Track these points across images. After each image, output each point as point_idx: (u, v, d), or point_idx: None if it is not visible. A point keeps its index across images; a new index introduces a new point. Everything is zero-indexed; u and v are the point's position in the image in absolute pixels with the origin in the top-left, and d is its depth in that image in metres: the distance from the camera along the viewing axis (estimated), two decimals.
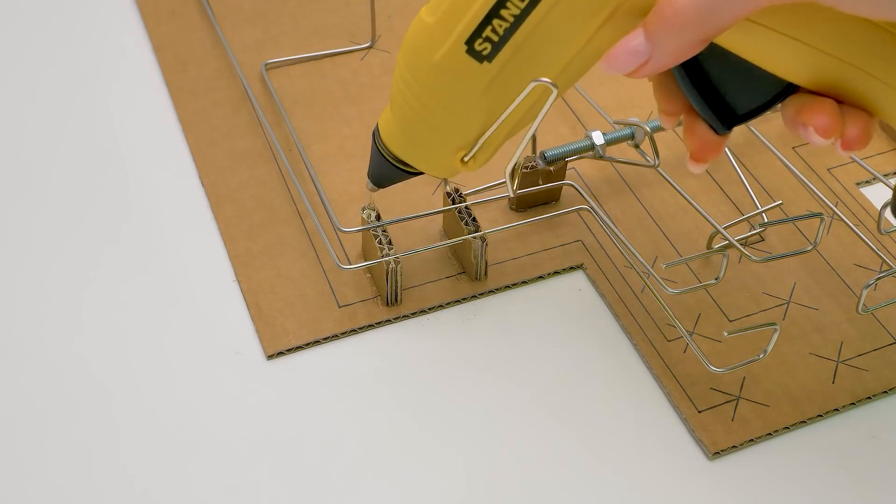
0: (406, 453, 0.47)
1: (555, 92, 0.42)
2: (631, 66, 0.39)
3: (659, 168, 0.55)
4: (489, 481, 0.47)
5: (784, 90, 0.41)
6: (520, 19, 0.40)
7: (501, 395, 0.50)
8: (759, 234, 0.56)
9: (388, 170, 0.49)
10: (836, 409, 0.49)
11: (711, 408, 0.49)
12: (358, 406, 0.49)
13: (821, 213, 0.50)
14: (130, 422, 0.48)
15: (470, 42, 0.42)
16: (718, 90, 0.42)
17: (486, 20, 0.41)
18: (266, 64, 0.65)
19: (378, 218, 0.53)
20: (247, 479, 0.46)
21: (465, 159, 0.46)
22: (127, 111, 0.63)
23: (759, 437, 0.48)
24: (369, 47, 0.67)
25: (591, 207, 0.56)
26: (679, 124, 0.45)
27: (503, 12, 0.40)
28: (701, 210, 0.54)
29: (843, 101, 0.40)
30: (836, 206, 0.57)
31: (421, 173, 0.49)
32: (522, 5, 0.40)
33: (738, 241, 0.52)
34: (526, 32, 0.41)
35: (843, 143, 0.40)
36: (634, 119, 0.55)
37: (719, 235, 0.54)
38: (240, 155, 0.60)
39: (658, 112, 0.44)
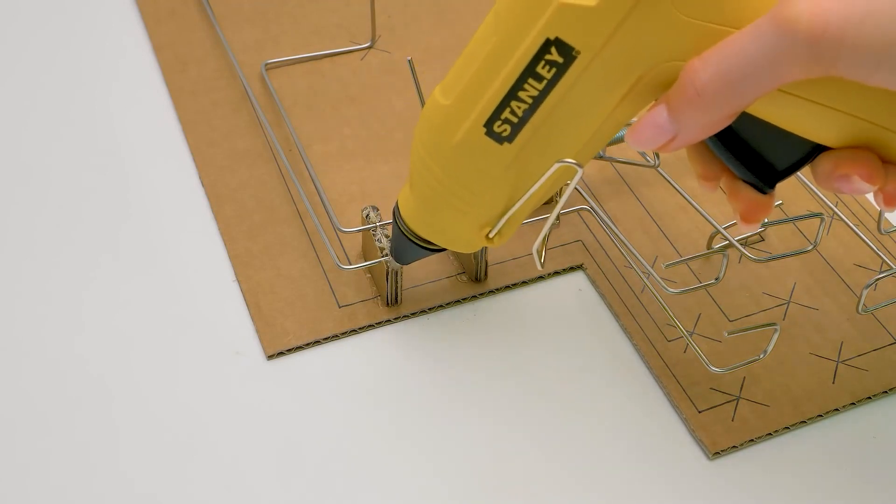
0: (406, 453, 0.47)
1: (580, 172, 0.41)
2: (657, 142, 0.38)
3: (659, 168, 0.55)
4: (489, 481, 0.47)
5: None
6: (538, 100, 0.39)
7: (501, 394, 0.50)
8: (759, 234, 0.56)
9: (410, 248, 0.48)
10: (836, 409, 0.49)
11: (711, 408, 0.49)
12: (358, 406, 0.49)
13: (821, 213, 0.50)
14: (130, 422, 0.48)
15: (489, 125, 0.41)
16: (754, 150, 0.40)
17: (504, 102, 0.40)
18: (266, 64, 0.65)
19: (378, 218, 0.53)
20: (247, 479, 0.46)
21: (490, 235, 0.45)
22: (127, 111, 0.63)
23: (759, 437, 0.48)
24: (369, 47, 0.67)
25: (591, 207, 0.56)
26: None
27: (521, 94, 0.39)
28: (701, 210, 0.54)
29: (880, 158, 0.38)
30: (836, 206, 0.57)
31: (444, 249, 0.48)
32: (540, 86, 0.39)
33: (738, 241, 0.52)
34: (545, 113, 0.40)
35: (885, 197, 0.38)
36: (635, 119, 0.55)
37: (719, 235, 0.54)
38: (240, 155, 0.60)
39: (696, 178, 0.43)
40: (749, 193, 0.41)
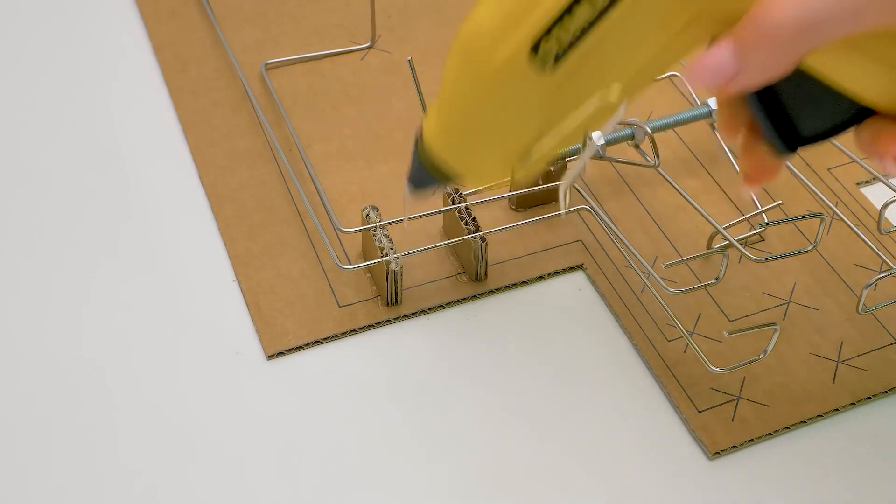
0: (406, 453, 0.47)
1: (623, 105, 0.39)
2: (717, 79, 0.36)
3: (659, 168, 0.54)
4: (489, 481, 0.47)
5: (854, 117, 0.38)
6: (591, 24, 0.37)
7: (501, 395, 0.50)
8: (759, 234, 0.56)
9: (427, 177, 0.46)
10: (836, 409, 0.49)
11: (711, 408, 0.49)
12: (358, 406, 0.49)
13: (821, 213, 0.50)
14: (131, 422, 0.48)
15: (536, 48, 0.38)
16: (787, 109, 0.39)
17: (554, 25, 0.37)
18: (266, 64, 0.65)
19: (378, 218, 0.53)
20: (247, 479, 0.46)
21: (517, 169, 0.42)
22: (127, 111, 0.63)
23: (759, 437, 0.48)
24: (369, 47, 0.67)
25: (591, 207, 0.56)
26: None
27: (572, 17, 0.37)
28: (701, 210, 0.54)
29: None
30: (836, 206, 0.57)
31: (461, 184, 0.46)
32: (597, 8, 0.37)
33: (738, 241, 0.52)
34: (595, 41, 0.37)
35: None
36: (634, 119, 0.55)
37: (719, 235, 0.54)
38: (240, 155, 0.60)
39: (717, 125, 0.42)
40: (763, 152, 0.40)
